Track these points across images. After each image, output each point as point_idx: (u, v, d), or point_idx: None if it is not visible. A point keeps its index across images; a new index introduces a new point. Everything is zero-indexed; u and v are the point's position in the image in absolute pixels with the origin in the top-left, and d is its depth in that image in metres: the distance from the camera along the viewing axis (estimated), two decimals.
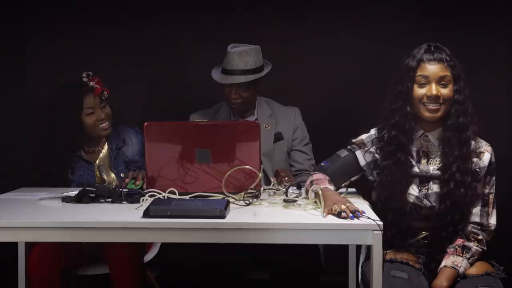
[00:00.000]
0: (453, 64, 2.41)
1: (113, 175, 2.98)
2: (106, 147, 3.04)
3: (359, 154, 2.54)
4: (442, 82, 2.40)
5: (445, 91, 2.39)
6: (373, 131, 2.56)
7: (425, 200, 2.43)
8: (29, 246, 2.75)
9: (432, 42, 2.46)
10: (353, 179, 2.56)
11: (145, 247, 2.93)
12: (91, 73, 2.94)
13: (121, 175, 2.96)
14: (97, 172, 3.00)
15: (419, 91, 2.41)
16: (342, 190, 2.55)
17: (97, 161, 3.01)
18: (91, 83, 2.92)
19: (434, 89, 2.38)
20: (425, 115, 2.42)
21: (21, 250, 2.72)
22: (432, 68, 2.40)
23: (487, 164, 2.44)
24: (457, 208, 2.39)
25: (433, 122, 2.44)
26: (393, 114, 2.46)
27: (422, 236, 2.45)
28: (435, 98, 2.38)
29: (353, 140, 2.57)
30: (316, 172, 2.53)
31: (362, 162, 2.54)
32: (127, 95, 3.19)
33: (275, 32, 3.69)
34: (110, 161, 3.00)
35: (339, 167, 2.53)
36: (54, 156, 2.92)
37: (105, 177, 2.99)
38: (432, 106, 2.39)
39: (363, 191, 2.62)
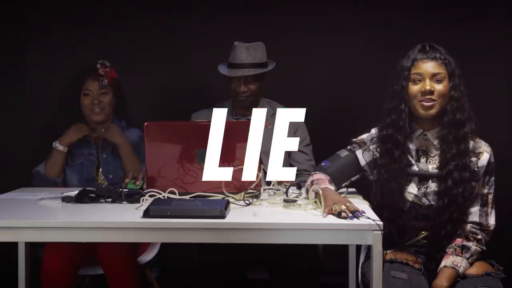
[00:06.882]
0: (448, 62, 2.42)
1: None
2: None
3: (359, 153, 2.54)
4: (436, 79, 2.41)
5: (439, 87, 2.40)
6: (373, 131, 2.56)
7: (424, 198, 2.43)
8: (33, 246, 2.76)
9: (433, 42, 2.47)
10: (353, 179, 2.56)
11: (138, 247, 2.92)
12: (106, 62, 3.05)
13: (103, 155, 3.06)
14: (98, 159, 3.07)
15: (414, 88, 2.42)
16: (342, 190, 2.55)
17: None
18: (101, 70, 3.04)
19: (428, 84, 2.40)
20: (420, 112, 2.42)
21: (21, 250, 2.72)
22: (426, 66, 2.41)
23: (485, 164, 2.44)
24: (454, 205, 2.39)
25: (432, 120, 2.44)
26: (389, 113, 2.47)
27: (422, 236, 2.45)
28: (429, 93, 2.39)
29: (354, 140, 2.58)
30: (317, 172, 2.53)
31: (362, 162, 2.54)
32: (127, 95, 3.19)
33: (275, 33, 3.69)
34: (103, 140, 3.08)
35: (340, 167, 2.53)
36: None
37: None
38: (426, 103, 2.40)
39: (363, 191, 2.61)
